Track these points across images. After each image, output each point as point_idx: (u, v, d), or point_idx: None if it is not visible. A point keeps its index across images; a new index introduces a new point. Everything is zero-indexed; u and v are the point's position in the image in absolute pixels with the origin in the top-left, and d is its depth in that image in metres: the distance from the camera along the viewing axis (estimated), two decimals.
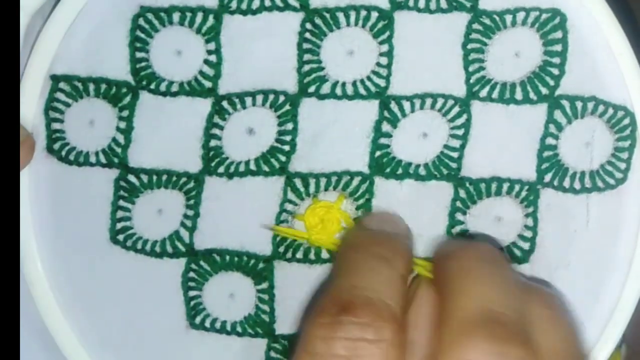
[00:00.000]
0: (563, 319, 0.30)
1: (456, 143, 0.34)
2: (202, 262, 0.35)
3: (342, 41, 0.33)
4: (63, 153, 0.34)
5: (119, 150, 0.34)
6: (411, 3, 0.33)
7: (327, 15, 0.33)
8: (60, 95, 0.34)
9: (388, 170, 0.34)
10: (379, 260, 0.30)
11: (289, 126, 0.34)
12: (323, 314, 0.28)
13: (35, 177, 0.34)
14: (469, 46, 0.33)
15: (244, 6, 0.33)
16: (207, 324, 0.35)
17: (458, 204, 0.34)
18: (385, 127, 0.34)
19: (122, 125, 0.34)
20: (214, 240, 0.35)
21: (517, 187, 0.34)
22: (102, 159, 0.34)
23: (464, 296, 0.28)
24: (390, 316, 0.28)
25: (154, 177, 0.34)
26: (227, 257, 0.35)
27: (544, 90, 0.34)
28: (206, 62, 0.34)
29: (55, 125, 0.34)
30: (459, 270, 0.30)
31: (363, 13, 0.33)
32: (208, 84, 0.34)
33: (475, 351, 0.27)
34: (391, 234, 0.33)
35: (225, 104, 0.34)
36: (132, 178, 0.34)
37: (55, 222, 0.35)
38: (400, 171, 0.34)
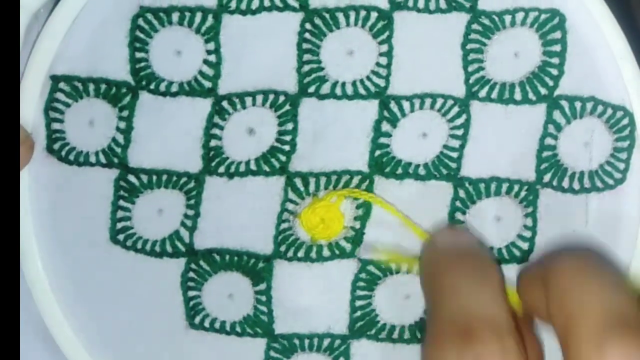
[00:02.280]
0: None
1: (456, 143, 0.33)
2: (201, 262, 0.34)
3: (342, 41, 0.32)
4: (63, 153, 0.33)
5: (118, 150, 0.33)
6: (410, 3, 0.32)
7: (327, 16, 0.32)
8: (60, 96, 0.33)
9: (388, 169, 0.33)
10: (476, 277, 0.30)
11: (289, 126, 0.33)
12: (446, 343, 0.28)
13: (35, 177, 0.33)
14: (468, 46, 0.33)
15: (243, 6, 0.32)
16: (207, 324, 0.34)
17: (457, 203, 0.33)
18: (385, 126, 0.33)
19: (122, 125, 0.33)
20: (214, 240, 0.34)
21: (516, 187, 0.33)
22: (102, 159, 0.33)
23: (587, 302, 0.28)
24: (510, 329, 0.28)
25: (154, 177, 0.34)
26: (227, 257, 0.34)
27: (543, 91, 0.33)
28: (206, 62, 0.33)
29: (55, 125, 0.33)
30: (572, 276, 0.29)
31: (363, 13, 0.32)
32: (208, 84, 0.33)
33: (620, 356, 0.26)
34: (472, 247, 0.32)
35: (225, 104, 0.33)
36: (132, 178, 0.34)
37: (56, 222, 0.34)
38: (400, 171, 0.33)
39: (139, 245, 0.34)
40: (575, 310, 0.28)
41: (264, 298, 0.34)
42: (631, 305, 0.28)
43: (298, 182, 0.33)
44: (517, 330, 0.28)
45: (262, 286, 0.34)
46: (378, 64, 0.33)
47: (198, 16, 0.32)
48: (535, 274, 0.31)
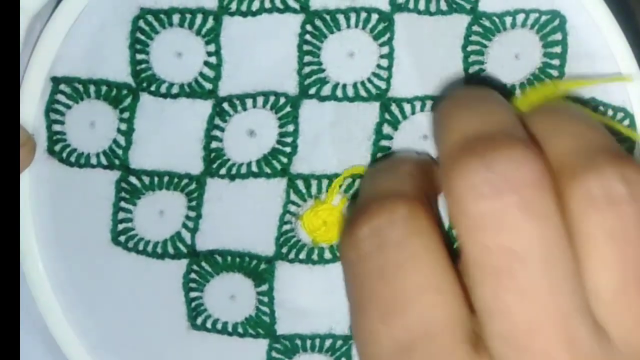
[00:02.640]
0: (573, 119, 0.28)
1: None
2: (203, 263, 0.34)
3: (343, 43, 0.32)
4: (64, 155, 0.33)
5: (120, 151, 0.33)
6: (411, 5, 0.32)
7: (328, 17, 0.32)
8: (61, 97, 0.33)
9: None
10: (383, 171, 0.30)
11: (290, 128, 0.33)
12: (344, 228, 0.27)
13: (36, 179, 0.33)
14: (469, 48, 0.32)
15: (243, 8, 0.32)
16: (209, 324, 0.34)
17: None
18: (386, 129, 0.33)
19: (123, 127, 0.33)
20: (215, 241, 0.34)
21: None
22: (103, 161, 0.33)
23: (443, 135, 0.27)
24: (398, 197, 0.27)
25: (155, 179, 0.33)
26: (229, 258, 0.34)
27: None
28: (206, 63, 0.33)
29: (56, 127, 0.33)
30: (438, 117, 0.28)
31: (363, 15, 0.32)
32: (208, 86, 0.33)
33: (464, 178, 0.24)
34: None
35: (225, 105, 0.33)
36: (133, 179, 0.34)
37: (57, 224, 0.34)
38: None
39: (141, 247, 0.34)
40: (437, 147, 0.27)
41: (266, 299, 0.34)
42: (490, 122, 0.26)
43: (300, 184, 0.33)
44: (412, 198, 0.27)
45: (264, 287, 0.34)
46: (379, 66, 0.33)
47: (199, 18, 0.32)
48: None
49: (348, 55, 0.33)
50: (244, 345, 0.34)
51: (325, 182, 0.33)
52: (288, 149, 0.33)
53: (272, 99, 0.33)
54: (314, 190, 0.33)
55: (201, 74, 0.33)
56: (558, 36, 0.32)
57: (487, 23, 0.32)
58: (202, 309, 0.34)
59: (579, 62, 0.33)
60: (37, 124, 0.33)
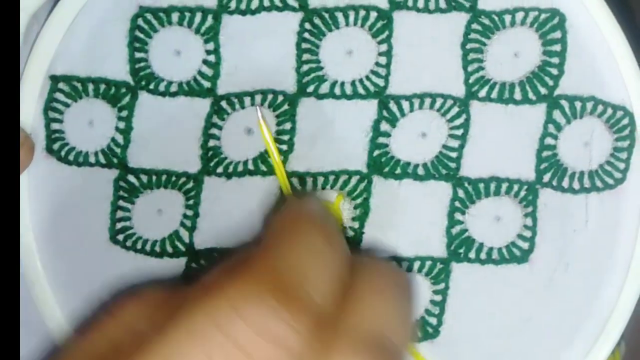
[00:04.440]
0: (387, 291, 0.28)
1: (455, 143, 0.33)
2: (202, 262, 0.34)
3: (341, 41, 0.33)
4: (62, 153, 0.34)
5: (118, 150, 0.34)
6: (410, 3, 0.32)
7: (326, 15, 0.33)
8: (59, 96, 0.33)
9: (386, 169, 0.33)
10: (323, 254, 0.27)
11: (288, 126, 0.33)
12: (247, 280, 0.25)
13: (35, 178, 0.34)
14: (468, 46, 0.33)
15: (242, 6, 0.33)
16: None
17: (457, 204, 0.34)
18: (384, 126, 0.33)
19: (122, 125, 0.34)
20: (213, 239, 0.34)
21: (516, 187, 0.33)
22: (102, 159, 0.34)
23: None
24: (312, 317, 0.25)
25: (154, 177, 0.34)
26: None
27: (543, 90, 0.33)
28: (205, 62, 0.33)
29: (55, 126, 0.34)
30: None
31: (362, 13, 0.33)
32: (207, 84, 0.33)
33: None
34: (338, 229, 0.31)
35: (224, 104, 0.33)
36: (131, 178, 0.34)
37: (55, 223, 0.34)
38: (398, 171, 0.33)
39: (139, 246, 0.34)
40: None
41: None
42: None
43: (295, 182, 0.34)
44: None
45: None
46: (377, 64, 0.33)
47: (198, 16, 0.33)
48: None
49: (346, 53, 0.33)
50: None
51: (321, 180, 0.34)
52: (285, 147, 0.33)
53: (270, 97, 0.33)
54: (309, 188, 0.34)
55: (200, 73, 0.33)
56: (557, 34, 0.33)
57: (486, 21, 0.33)
58: None
59: (578, 61, 0.33)
60: (36, 123, 0.34)
